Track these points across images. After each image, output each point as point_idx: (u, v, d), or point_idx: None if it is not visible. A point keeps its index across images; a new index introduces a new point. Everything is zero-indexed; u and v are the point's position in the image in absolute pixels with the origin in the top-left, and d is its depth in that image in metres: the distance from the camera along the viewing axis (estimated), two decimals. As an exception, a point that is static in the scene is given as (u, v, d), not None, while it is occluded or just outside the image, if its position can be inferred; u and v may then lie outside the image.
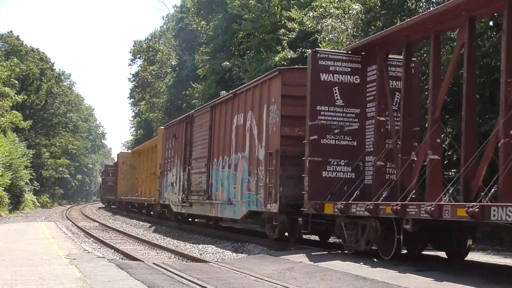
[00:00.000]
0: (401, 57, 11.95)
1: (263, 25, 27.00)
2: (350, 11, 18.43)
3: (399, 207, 9.27)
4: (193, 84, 36.01)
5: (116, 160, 48.72)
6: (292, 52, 24.08)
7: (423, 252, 11.57)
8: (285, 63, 23.73)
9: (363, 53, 12.44)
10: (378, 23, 17.66)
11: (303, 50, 23.67)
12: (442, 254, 11.31)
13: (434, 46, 10.51)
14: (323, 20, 19.93)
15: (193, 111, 21.18)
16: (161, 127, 27.00)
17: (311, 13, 22.19)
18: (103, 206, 58.48)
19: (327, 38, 19.00)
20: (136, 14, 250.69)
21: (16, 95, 45.82)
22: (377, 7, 17.83)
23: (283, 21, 25.34)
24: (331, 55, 12.36)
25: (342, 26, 18.39)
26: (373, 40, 12.13)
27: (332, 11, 19.41)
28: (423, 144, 10.59)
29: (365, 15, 18.17)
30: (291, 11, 24.92)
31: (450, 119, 15.50)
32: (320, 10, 20.80)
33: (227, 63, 29.14)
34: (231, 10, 30.26)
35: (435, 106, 10.23)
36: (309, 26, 23.45)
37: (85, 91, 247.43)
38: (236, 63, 28.67)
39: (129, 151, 41.00)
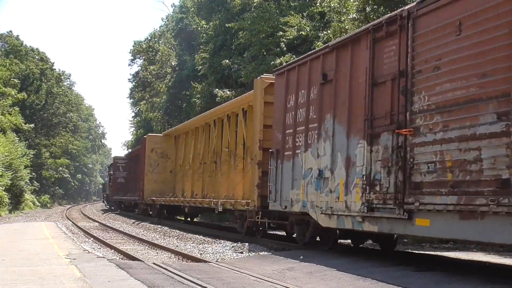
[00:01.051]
0: None
1: (261, 31, 27.04)
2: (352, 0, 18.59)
3: None
4: (194, 84, 36.03)
5: (137, 148, 36.96)
6: (294, 56, 24.10)
7: (423, 252, 11.57)
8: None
9: None
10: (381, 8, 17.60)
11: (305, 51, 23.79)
12: (444, 254, 11.29)
13: None
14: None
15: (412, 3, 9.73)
16: (262, 76, 16.04)
17: None
18: (108, 208, 50.91)
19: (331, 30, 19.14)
20: (136, 14, 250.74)
21: (16, 93, 45.98)
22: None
23: (280, 27, 25.40)
24: None
25: (343, 10, 18.56)
26: None
27: None
28: None
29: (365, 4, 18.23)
30: (288, 17, 24.97)
31: None
32: None
33: (227, 60, 29.18)
34: (231, 24, 30.26)
35: None
36: (308, 30, 23.57)
37: (85, 91, 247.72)
38: (236, 61, 28.73)
39: (160, 134, 30.53)
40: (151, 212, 29.14)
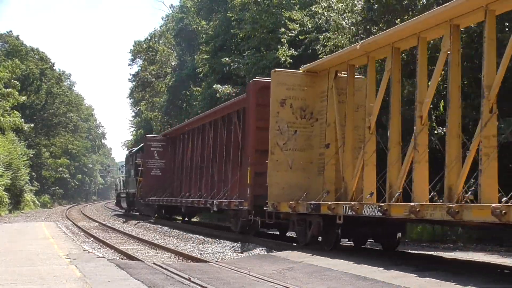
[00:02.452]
0: None
1: (263, 26, 27.06)
2: (354, 7, 18.52)
3: None
4: (194, 88, 35.98)
5: (220, 108, 20.46)
6: (293, 49, 24.04)
7: (423, 252, 11.55)
8: (286, 60, 23.73)
9: None
10: (381, 24, 17.59)
11: (305, 49, 23.73)
12: (443, 254, 11.29)
13: None
14: (327, 13, 19.94)
15: None
16: None
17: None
18: (123, 212, 37.65)
19: (331, 37, 19.08)
20: (136, 14, 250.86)
21: (18, 95, 45.99)
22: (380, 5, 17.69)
23: (283, 21, 25.39)
24: None
25: (343, 23, 18.49)
26: None
27: (339, 5, 19.42)
28: None
29: (366, 13, 18.16)
30: (291, 12, 24.96)
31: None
32: (324, 3, 20.76)
33: (227, 59, 29.19)
34: (231, 13, 30.23)
35: None
36: (310, 27, 23.54)
37: (85, 91, 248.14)
38: (236, 59, 28.75)
39: (298, 71, 13.99)
40: (293, 235, 15.31)
